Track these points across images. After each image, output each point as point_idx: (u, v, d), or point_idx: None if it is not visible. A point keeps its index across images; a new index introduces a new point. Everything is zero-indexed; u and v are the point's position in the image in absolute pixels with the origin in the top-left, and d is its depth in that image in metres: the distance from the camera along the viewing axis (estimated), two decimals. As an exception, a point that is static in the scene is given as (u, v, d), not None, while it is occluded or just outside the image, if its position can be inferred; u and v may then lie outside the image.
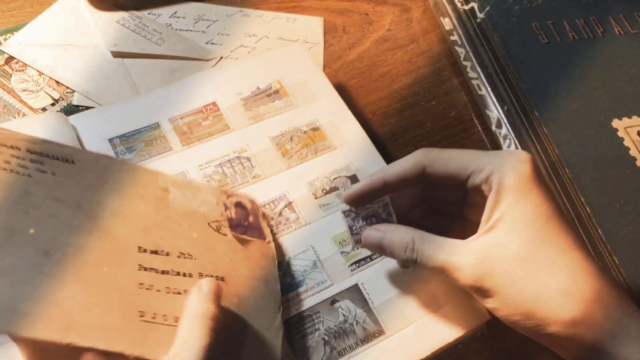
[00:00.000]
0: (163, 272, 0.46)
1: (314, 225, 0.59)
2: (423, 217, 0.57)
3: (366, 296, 0.56)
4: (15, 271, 0.40)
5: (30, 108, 0.65)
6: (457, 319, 0.56)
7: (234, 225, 0.54)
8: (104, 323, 0.42)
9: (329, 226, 0.59)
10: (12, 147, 0.44)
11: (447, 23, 0.78)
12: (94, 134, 0.60)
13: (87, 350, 0.41)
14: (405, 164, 0.52)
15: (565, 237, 0.47)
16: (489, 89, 0.73)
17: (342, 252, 0.58)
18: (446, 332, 0.55)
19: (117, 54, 0.70)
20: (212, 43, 0.73)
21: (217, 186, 0.56)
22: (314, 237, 0.58)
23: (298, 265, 0.56)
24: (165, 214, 0.50)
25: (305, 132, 0.64)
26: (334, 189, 0.61)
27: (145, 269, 0.46)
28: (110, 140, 0.60)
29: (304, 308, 0.55)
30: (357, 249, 0.56)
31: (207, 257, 0.50)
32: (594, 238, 0.63)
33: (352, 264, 0.57)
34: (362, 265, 0.57)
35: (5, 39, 0.70)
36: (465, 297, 0.57)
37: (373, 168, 0.62)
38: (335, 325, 0.54)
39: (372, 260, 0.58)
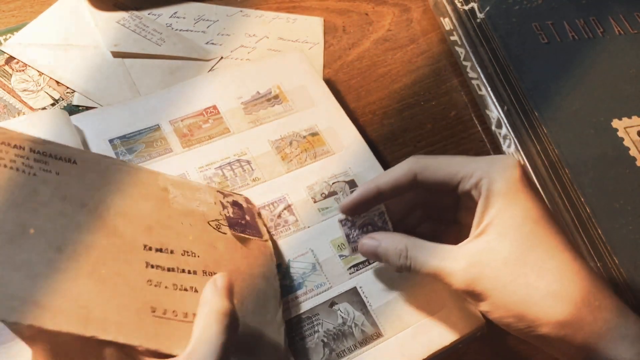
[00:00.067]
0: (169, 270, 0.47)
1: (313, 228, 0.59)
2: (418, 224, 0.58)
3: (364, 299, 0.56)
4: (32, 266, 0.41)
5: (31, 108, 0.65)
6: (454, 322, 0.56)
7: (232, 223, 0.54)
8: (120, 318, 0.42)
9: (327, 230, 0.59)
10: (15, 146, 0.44)
11: (447, 23, 0.78)
12: (95, 135, 0.60)
13: (108, 344, 0.41)
14: (397, 172, 0.53)
15: (555, 239, 0.48)
16: (489, 89, 0.73)
17: (340, 256, 0.58)
18: (443, 335, 0.56)
19: (117, 54, 0.70)
20: (212, 43, 0.73)
21: (212, 186, 0.56)
22: (313, 240, 0.59)
23: (297, 268, 0.57)
24: (167, 214, 0.50)
25: (304, 137, 0.64)
26: (332, 194, 0.62)
27: (152, 267, 0.46)
28: (111, 141, 0.60)
29: (303, 310, 0.55)
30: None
31: (209, 255, 0.50)
32: (593, 238, 0.64)
33: (350, 267, 0.58)
34: (360, 268, 0.58)
35: (5, 39, 0.70)
36: (462, 300, 0.57)
37: (371, 173, 0.63)
38: (334, 328, 0.54)
39: (370, 264, 0.58)
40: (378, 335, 0.55)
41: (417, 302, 0.57)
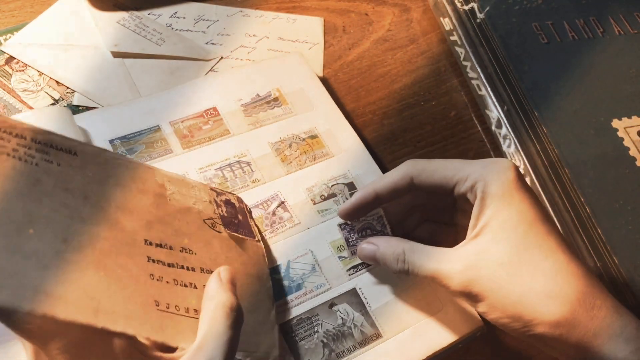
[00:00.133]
0: (169, 265, 0.47)
1: (313, 230, 0.60)
2: (416, 226, 0.59)
3: (364, 300, 0.56)
4: (41, 256, 0.40)
5: (30, 108, 0.65)
6: (454, 322, 0.57)
7: (226, 223, 0.54)
8: (127, 310, 0.42)
9: (327, 231, 0.59)
10: (17, 135, 0.44)
11: (447, 23, 0.78)
12: (95, 135, 0.60)
13: (118, 338, 0.42)
14: (394, 176, 0.54)
15: (549, 240, 0.49)
16: (489, 89, 0.73)
17: (340, 257, 0.58)
18: (443, 336, 0.56)
19: (117, 54, 0.70)
20: (212, 43, 0.73)
21: (205, 184, 0.56)
22: (312, 241, 0.59)
23: (297, 269, 0.57)
24: (164, 210, 0.50)
25: (303, 139, 0.65)
26: (332, 196, 0.62)
27: (154, 261, 0.46)
28: (111, 141, 0.60)
29: (302, 311, 0.55)
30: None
31: (206, 253, 0.50)
32: (593, 238, 0.64)
33: (349, 269, 0.58)
34: (359, 269, 0.58)
35: (5, 39, 0.70)
36: (460, 301, 0.57)
37: (369, 176, 0.63)
38: (333, 328, 0.55)
39: (369, 265, 0.58)
40: (377, 335, 0.55)
41: (416, 303, 0.57)
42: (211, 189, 0.56)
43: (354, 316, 0.55)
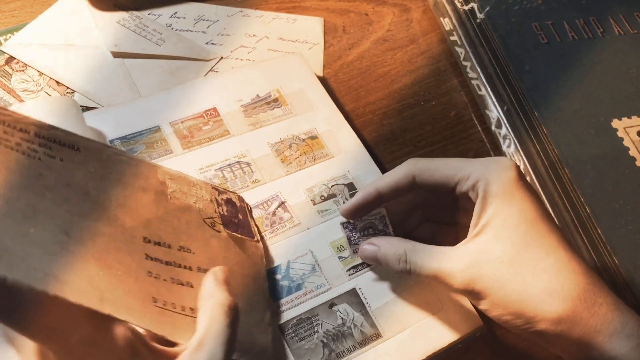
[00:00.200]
0: (167, 263, 0.47)
1: (313, 230, 0.60)
2: (418, 225, 0.59)
3: (363, 300, 0.57)
4: (46, 244, 0.41)
5: (31, 108, 0.65)
6: (453, 322, 0.57)
7: (226, 222, 0.54)
8: (127, 303, 0.42)
9: (327, 231, 0.60)
10: (21, 130, 0.44)
11: (447, 23, 0.78)
12: (95, 135, 0.60)
13: (121, 326, 0.42)
14: (396, 175, 0.55)
15: (550, 238, 0.50)
16: (489, 89, 0.73)
17: (340, 257, 0.58)
18: (442, 336, 0.56)
19: (117, 54, 0.70)
20: (212, 43, 0.73)
21: (207, 182, 0.56)
22: (312, 242, 0.59)
23: (297, 269, 0.57)
24: (165, 208, 0.51)
25: (303, 140, 0.65)
26: (331, 196, 0.62)
27: (152, 259, 0.46)
28: (111, 141, 0.60)
29: (302, 311, 0.55)
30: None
31: (204, 252, 0.51)
32: (593, 238, 0.64)
33: (349, 269, 0.58)
34: (359, 270, 0.58)
35: (5, 39, 0.70)
36: (461, 301, 0.58)
37: (369, 177, 0.64)
38: (333, 328, 0.55)
39: (369, 265, 0.58)
40: (377, 335, 0.55)
41: (416, 303, 0.57)
42: (212, 187, 0.56)
43: (353, 316, 0.55)
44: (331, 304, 0.56)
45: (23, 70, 0.68)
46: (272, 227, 0.59)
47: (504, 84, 0.72)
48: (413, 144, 0.71)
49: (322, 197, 0.62)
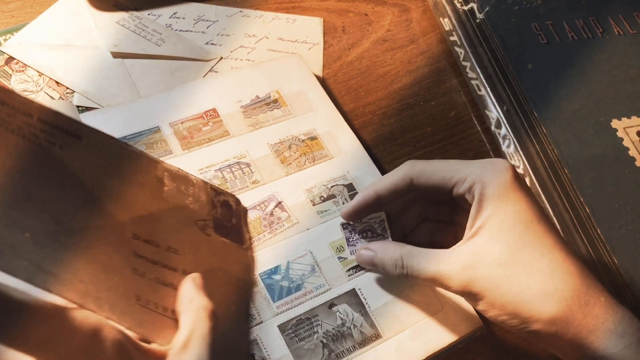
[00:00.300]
0: (153, 262, 0.47)
1: (312, 231, 0.60)
2: (417, 225, 0.60)
3: (363, 300, 0.57)
4: (35, 232, 0.41)
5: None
6: (453, 323, 0.57)
7: (218, 225, 0.54)
8: (110, 299, 0.43)
9: (326, 232, 0.60)
10: (24, 113, 0.44)
11: (446, 23, 0.78)
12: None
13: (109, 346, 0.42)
14: (394, 178, 0.55)
15: (546, 239, 0.50)
16: (489, 89, 0.73)
17: (339, 258, 0.59)
18: (442, 336, 0.56)
19: (117, 55, 0.70)
20: (212, 44, 0.73)
21: (206, 182, 0.56)
22: (312, 242, 0.59)
23: (297, 269, 0.57)
24: (158, 207, 0.51)
25: (303, 140, 0.65)
26: (331, 197, 0.62)
27: (139, 256, 0.47)
28: (111, 141, 0.60)
29: (302, 311, 0.55)
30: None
31: (190, 255, 0.51)
32: (593, 238, 0.64)
33: (349, 270, 0.58)
34: (359, 270, 0.58)
35: (5, 40, 0.70)
36: (461, 301, 0.58)
37: (368, 177, 0.64)
38: (333, 329, 0.55)
39: (367, 268, 0.59)
40: (377, 336, 0.55)
41: (416, 304, 0.57)
42: (211, 187, 0.56)
43: (353, 316, 0.56)
44: (331, 304, 0.56)
45: (23, 71, 0.68)
46: (271, 227, 0.59)
47: (504, 84, 0.72)
48: (413, 144, 0.71)
49: (322, 198, 0.62)
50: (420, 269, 0.52)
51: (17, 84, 0.67)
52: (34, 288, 0.39)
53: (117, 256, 0.45)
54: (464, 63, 0.76)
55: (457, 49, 0.77)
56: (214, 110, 0.64)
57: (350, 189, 0.63)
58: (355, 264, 0.58)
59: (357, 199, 0.56)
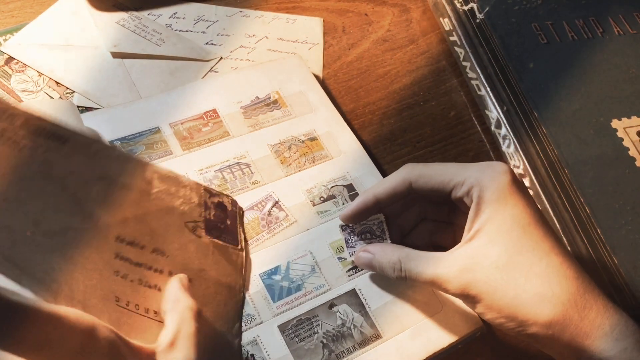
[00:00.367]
0: (137, 265, 0.48)
1: (312, 231, 0.60)
2: (415, 225, 0.60)
3: (363, 301, 0.57)
4: (12, 232, 0.42)
5: (30, 109, 0.65)
6: (453, 323, 0.57)
7: (210, 227, 0.54)
8: (85, 300, 0.43)
9: (326, 232, 0.60)
10: (8, 118, 0.44)
11: (446, 23, 0.78)
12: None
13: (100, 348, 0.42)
14: (393, 181, 0.55)
15: (543, 243, 0.50)
16: (489, 89, 0.73)
17: (339, 258, 0.59)
18: (442, 336, 0.56)
19: (117, 55, 0.70)
20: (212, 44, 0.73)
21: (200, 184, 0.56)
22: (312, 242, 0.59)
23: (297, 270, 0.57)
24: (146, 208, 0.51)
25: (303, 141, 0.65)
26: (331, 197, 0.62)
27: (121, 259, 0.47)
28: (111, 142, 0.60)
29: (302, 311, 0.55)
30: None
31: (178, 257, 0.51)
32: (593, 238, 0.64)
33: (349, 270, 0.58)
34: (359, 270, 0.58)
35: (5, 40, 0.69)
36: (460, 302, 0.57)
37: (368, 178, 0.64)
38: (333, 329, 0.55)
39: (367, 269, 0.59)
40: (377, 336, 0.55)
41: (416, 304, 0.57)
42: (205, 189, 0.56)
43: (353, 317, 0.56)
44: (331, 304, 0.56)
45: (22, 71, 0.68)
46: (269, 227, 0.59)
47: (504, 84, 0.72)
48: (412, 144, 0.71)
49: (322, 198, 0.62)
50: (418, 272, 0.52)
51: (17, 84, 0.67)
52: (5, 279, 0.39)
53: (97, 258, 0.45)
54: (464, 63, 0.76)
55: (457, 49, 0.77)
56: (214, 110, 0.64)
57: (350, 189, 0.63)
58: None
59: (356, 203, 0.57)
